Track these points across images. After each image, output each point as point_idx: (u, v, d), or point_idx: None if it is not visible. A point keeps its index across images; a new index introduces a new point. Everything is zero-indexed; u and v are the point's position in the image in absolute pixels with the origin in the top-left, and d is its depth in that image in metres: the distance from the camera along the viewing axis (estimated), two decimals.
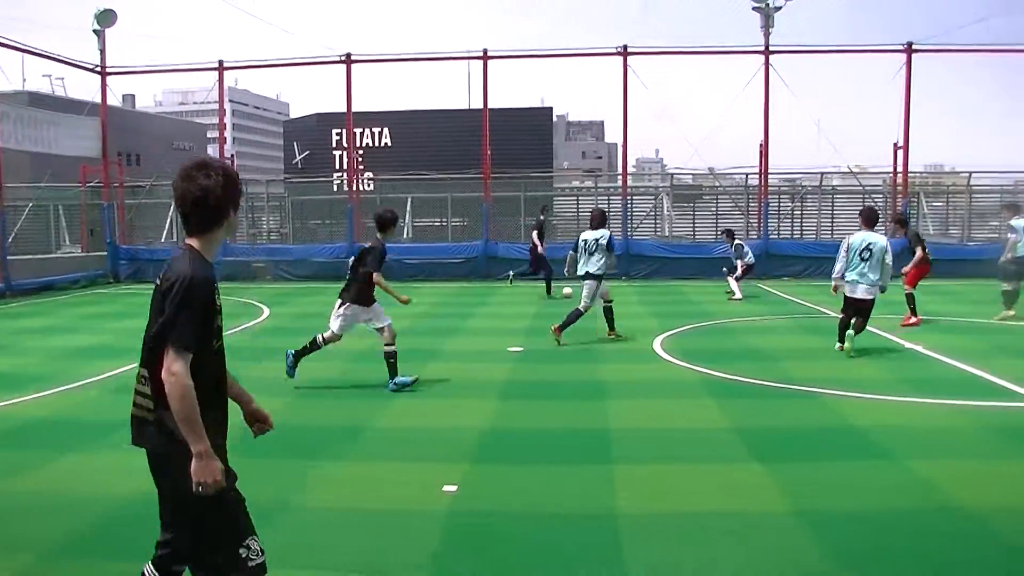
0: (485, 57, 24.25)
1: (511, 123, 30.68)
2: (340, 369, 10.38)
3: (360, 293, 9.34)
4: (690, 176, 31.53)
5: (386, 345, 9.34)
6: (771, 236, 24.26)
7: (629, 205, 25.06)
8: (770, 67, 23.52)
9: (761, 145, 23.88)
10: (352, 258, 9.72)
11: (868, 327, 11.75)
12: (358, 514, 5.62)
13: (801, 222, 27.27)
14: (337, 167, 32.52)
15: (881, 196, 27.05)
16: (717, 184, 28.67)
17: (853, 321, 11.37)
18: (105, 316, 17.00)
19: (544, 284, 19.24)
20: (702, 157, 25.28)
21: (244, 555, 3.32)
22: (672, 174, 30.13)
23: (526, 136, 32.39)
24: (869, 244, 11.26)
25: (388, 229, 9.63)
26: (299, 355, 9.51)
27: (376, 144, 33.77)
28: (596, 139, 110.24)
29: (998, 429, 7.63)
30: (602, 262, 12.48)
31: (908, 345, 11.93)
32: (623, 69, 23.73)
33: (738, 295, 18.28)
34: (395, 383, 9.28)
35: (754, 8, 23.81)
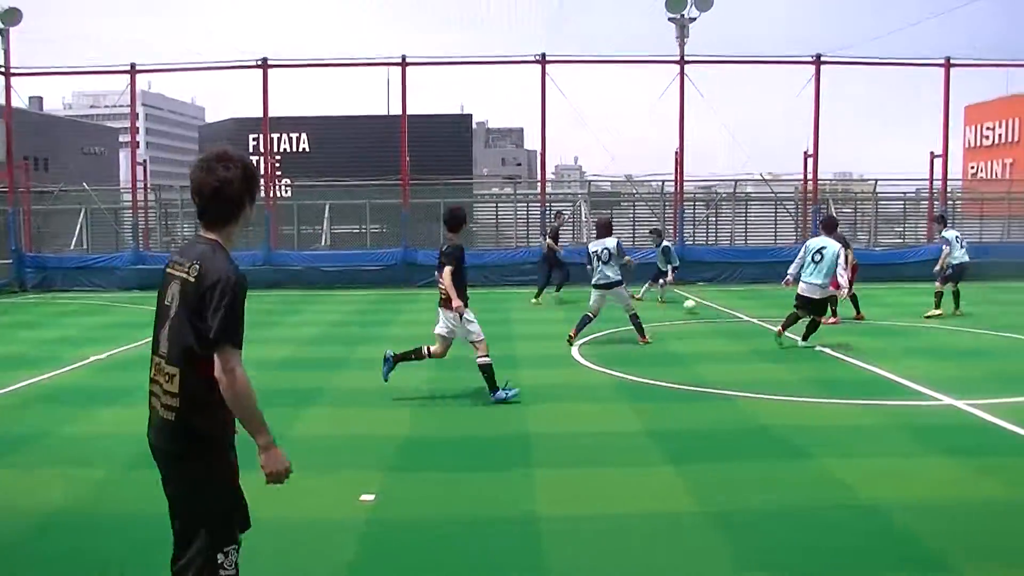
0: (404, 64, 24.16)
1: (430, 130, 30.66)
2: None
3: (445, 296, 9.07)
4: (608, 183, 31.91)
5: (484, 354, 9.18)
6: (687, 242, 24.68)
7: (548, 212, 25.22)
8: (685, 77, 23.96)
9: (677, 153, 24.31)
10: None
11: (787, 333, 12.38)
12: (272, 525, 5.52)
13: (716, 228, 27.81)
14: None
15: (793, 203, 27.76)
16: (634, 191, 29.08)
17: (808, 319, 12.36)
18: (16, 326, 16.43)
19: (556, 287, 19.05)
20: (619, 164, 25.58)
21: (220, 561, 3.35)
22: (590, 181, 30.46)
23: (445, 143, 32.41)
24: (822, 248, 12.24)
25: (459, 228, 9.26)
26: (404, 357, 9.37)
27: (294, 150, 33.39)
28: (516, 146, 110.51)
29: (904, 428, 7.92)
30: (618, 268, 12.85)
31: (819, 348, 12.27)
32: (541, 77, 23.91)
33: (649, 300, 18.61)
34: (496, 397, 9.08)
35: (669, 19, 24.23)
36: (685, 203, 25.57)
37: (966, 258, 15.99)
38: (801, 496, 6.02)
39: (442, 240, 9.76)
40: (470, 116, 41.03)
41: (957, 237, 16.06)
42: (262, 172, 29.21)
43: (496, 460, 7.01)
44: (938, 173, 25.50)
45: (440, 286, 9.09)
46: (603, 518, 5.63)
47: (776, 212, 27.65)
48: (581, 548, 5.14)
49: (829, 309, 14.54)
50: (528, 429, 7.93)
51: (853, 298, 15.13)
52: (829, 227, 12.89)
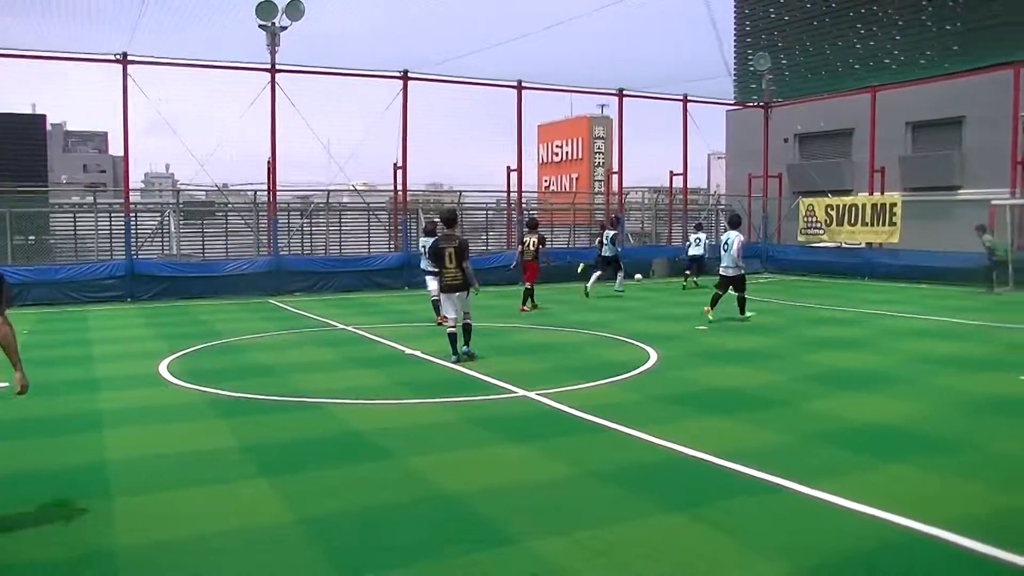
0: None
1: None
2: None
3: (466, 280, 11.85)
4: (202, 192, 30.68)
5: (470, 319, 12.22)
6: (281, 252, 24.50)
7: (133, 223, 23.70)
8: (277, 85, 23.77)
9: (269, 162, 24.01)
10: (437, 252, 11.92)
11: (380, 338, 13.02)
12: None
13: (311, 238, 27.89)
14: None
15: (386, 213, 28.66)
16: (227, 201, 28.28)
17: (736, 294, 16.15)
18: None
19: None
20: (210, 173, 24.58)
21: None
22: (180, 190, 29.09)
23: (13, 146, 29.04)
24: (727, 240, 16.10)
25: (455, 224, 12.45)
26: (455, 344, 11.94)
27: None
28: (99, 151, 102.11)
29: (482, 420, 8.57)
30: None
31: (408, 351, 12.84)
32: (123, 78, 22.36)
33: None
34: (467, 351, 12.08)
35: (260, 26, 23.87)
36: (279, 213, 25.40)
37: (698, 252, 24.58)
38: (387, 495, 6.25)
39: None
40: (44, 117, 37.23)
41: (698, 239, 24.68)
42: None
43: (70, 493, 6.40)
44: (515, 185, 27.80)
45: (448, 271, 11.83)
46: (191, 540, 5.40)
47: (370, 222, 28.38)
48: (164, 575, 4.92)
49: (529, 299, 18.62)
50: (106, 457, 7.38)
51: (529, 291, 18.78)
52: (734, 223, 16.63)
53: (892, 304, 19.65)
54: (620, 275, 22.06)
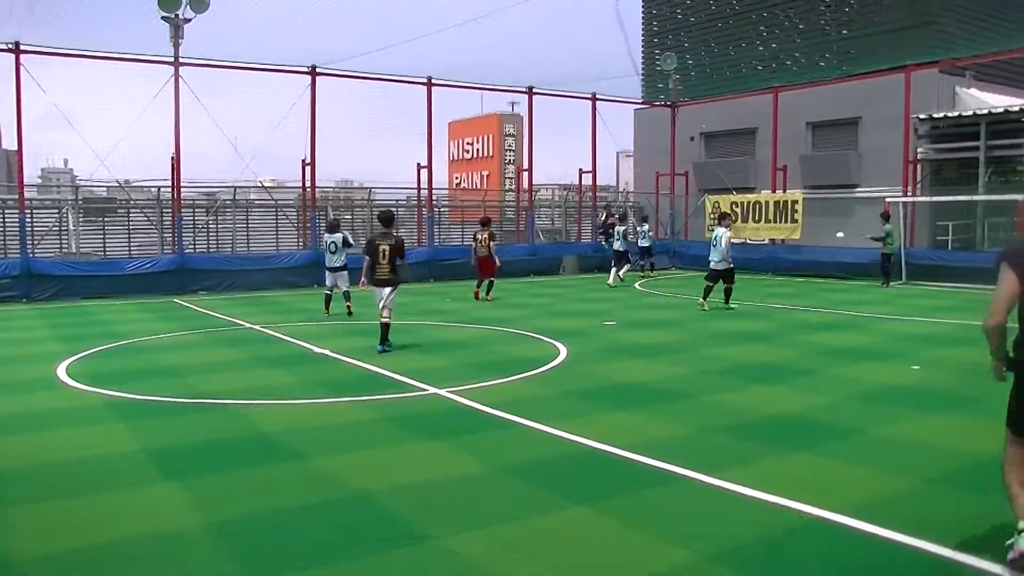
0: None
1: None
2: None
3: (399, 277, 12.56)
4: (104, 188, 29.71)
5: (389, 317, 12.55)
6: (186, 250, 23.93)
7: (29, 220, 22.79)
8: (181, 79, 23.20)
9: (173, 157, 23.41)
10: (372, 247, 12.50)
11: (288, 337, 12.98)
12: None
13: (217, 236, 27.31)
14: None
15: (294, 210, 28.24)
16: (129, 198, 27.46)
17: (724, 285, 17.82)
18: None
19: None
20: (111, 169, 23.78)
21: None
22: (79, 187, 28.13)
23: None
24: (716, 236, 17.96)
25: (392, 224, 13.07)
26: (384, 339, 12.45)
27: None
28: None
29: (394, 418, 8.53)
30: (344, 256, 17.27)
31: (317, 350, 12.69)
32: (16, 69, 21.50)
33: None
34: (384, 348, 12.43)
35: (163, 18, 23.23)
36: (184, 210, 24.81)
37: (646, 243, 27.23)
38: (297, 496, 6.18)
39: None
40: None
41: (643, 232, 27.42)
42: None
43: None
44: (426, 182, 27.73)
45: (381, 267, 12.40)
46: (97, 548, 5.23)
47: (278, 219, 27.93)
48: None
49: (486, 294, 20.05)
50: (1, 465, 7.07)
51: (490, 284, 20.34)
52: (721, 219, 19.29)
53: (794, 298, 20.28)
54: (626, 266, 24.71)
